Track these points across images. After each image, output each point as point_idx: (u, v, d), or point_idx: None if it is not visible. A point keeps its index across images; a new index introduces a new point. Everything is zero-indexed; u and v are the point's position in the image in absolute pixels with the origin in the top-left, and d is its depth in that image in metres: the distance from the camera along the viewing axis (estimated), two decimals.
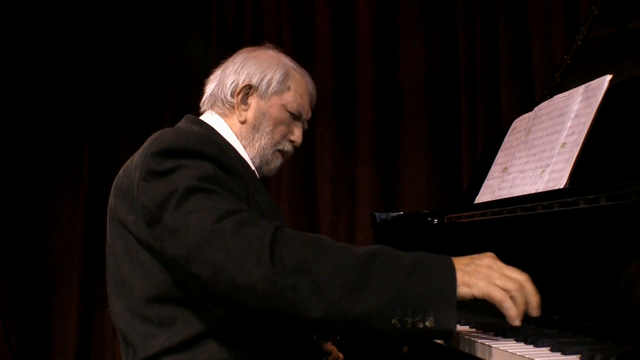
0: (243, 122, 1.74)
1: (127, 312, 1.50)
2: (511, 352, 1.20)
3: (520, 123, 1.97)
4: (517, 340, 1.30)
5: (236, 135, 1.73)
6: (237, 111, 1.74)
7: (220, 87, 1.75)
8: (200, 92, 1.82)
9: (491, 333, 1.40)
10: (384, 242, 2.35)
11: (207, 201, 1.35)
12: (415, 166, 3.52)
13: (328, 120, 3.66)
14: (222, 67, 1.79)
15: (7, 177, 4.18)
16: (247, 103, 1.74)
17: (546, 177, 1.63)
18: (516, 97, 3.17)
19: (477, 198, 1.97)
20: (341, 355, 1.90)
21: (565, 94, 1.74)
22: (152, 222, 1.41)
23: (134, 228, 1.47)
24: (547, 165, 1.66)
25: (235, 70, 1.75)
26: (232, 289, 1.28)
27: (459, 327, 1.52)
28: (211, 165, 1.43)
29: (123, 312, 1.51)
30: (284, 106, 1.75)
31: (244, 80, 1.73)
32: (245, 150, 1.73)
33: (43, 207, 4.24)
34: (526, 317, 1.28)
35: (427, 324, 1.22)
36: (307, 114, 1.82)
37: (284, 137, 1.77)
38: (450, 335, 1.25)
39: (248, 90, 1.73)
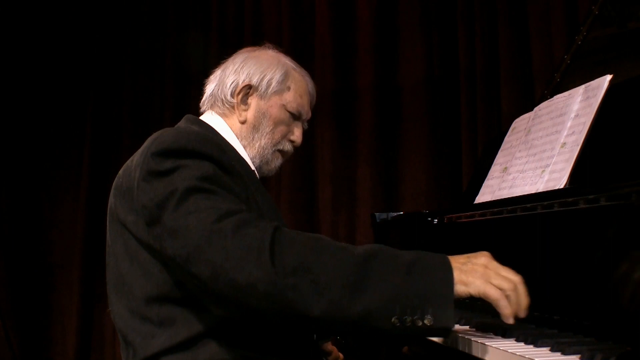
0: (243, 122, 1.74)
1: (127, 312, 1.50)
2: (511, 352, 1.21)
3: (520, 123, 1.97)
4: (517, 340, 1.30)
5: (236, 135, 1.73)
6: (237, 111, 1.74)
7: (220, 87, 1.75)
8: (200, 92, 1.82)
9: (491, 333, 1.40)
10: (384, 242, 2.35)
11: (206, 201, 1.35)
12: (415, 166, 3.52)
13: (328, 120, 3.66)
14: (222, 67, 1.79)
15: (7, 177, 4.19)
16: (247, 103, 1.74)
17: (546, 177, 1.63)
18: (516, 97, 3.17)
19: (477, 198, 1.97)
20: (341, 355, 1.90)
21: (565, 94, 1.74)
22: (152, 222, 1.41)
23: (134, 228, 1.47)
24: (547, 165, 1.66)
25: (235, 70, 1.75)
26: (231, 289, 1.28)
27: (460, 327, 1.52)
28: (211, 165, 1.43)
29: (123, 312, 1.51)
30: (284, 106, 1.75)
31: (244, 80, 1.73)
32: (245, 150, 1.73)
33: (43, 207, 4.24)
34: (525, 317, 1.28)
35: (425, 322, 1.23)
36: (307, 113, 1.82)
37: (284, 137, 1.77)
38: (448, 332, 1.26)
39: (248, 90, 1.73)
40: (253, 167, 1.72)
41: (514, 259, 1.55)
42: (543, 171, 1.66)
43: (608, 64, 2.05)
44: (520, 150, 1.85)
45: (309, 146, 3.59)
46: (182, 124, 1.70)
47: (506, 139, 2.01)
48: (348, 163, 3.64)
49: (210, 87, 1.79)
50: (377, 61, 3.61)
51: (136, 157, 1.51)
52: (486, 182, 1.98)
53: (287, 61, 1.79)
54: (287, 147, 1.79)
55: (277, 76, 1.74)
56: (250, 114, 1.74)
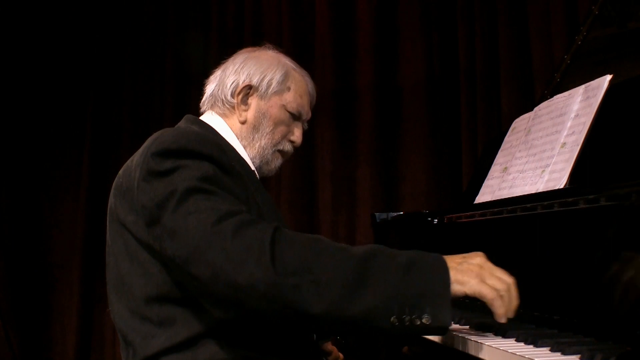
0: (243, 123, 1.74)
1: (127, 312, 1.50)
2: (511, 352, 1.21)
3: (520, 123, 1.97)
4: (517, 340, 1.30)
5: (236, 136, 1.73)
6: (237, 111, 1.74)
7: (221, 88, 1.75)
8: (200, 92, 1.82)
9: (491, 333, 1.40)
10: (384, 242, 2.35)
11: (206, 202, 1.35)
12: (415, 166, 3.52)
13: (328, 120, 3.66)
14: (222, 67, 1.79)
15: (7, 177, 4.19)
16: (247, 103, 1.74)
17: (546, 177, 1.63)
18: (516, 97, 3.16)
19: (477, 198, 1.97)
20: (341, 355, 1.90)
21: (565, 94, 1.74)
22: (152, 223, 1.41)
23: (134, 228, 1.47)
24: (547, 165, 1.66)
25: (236, 71, 1.75)
26: (232, 290, 1.28)
27: (460, 327, 1.52)
28: (211, 165, 1.43)
29: (123, 312, 1.51)
30: (284, 106, 1.75)
31: (244, 81, 1.73)
32: (246, 150, 1.73)
33: (43, 207, 4.24)
34: (525, 317, 1.28)
35: (423, 321, 1.24)
36: (307, 114, 1.82)
37: (284, 137, 1.77)
38: (445, 331, 1.28)
39: (248, 90, 1.73)
40: (253, 168, 1.73)
41: (514, 259, 1.55)
42: (543, 171, 1.66)
43: (608, 64, 2.05)
44: (520, 150, 1.85)
45: (309, 146, 3.59)
46: (182, 124, 1.70)
47: (506, 139, 2.01)
48: (348, 163, 3.64)
49: (210, 88, 1.79)
50: (377, 61, 3.61)
51: (136, 157, 1.51)
52: (486, 182, 1.98)
53: (287, 61, 1.79)
54: (287, 147, 1.79)
55: (277, 76, 1.74)
56: (250, 114, 1.74)
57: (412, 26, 3.56)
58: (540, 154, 1.73)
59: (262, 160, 1.75)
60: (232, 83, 1.74)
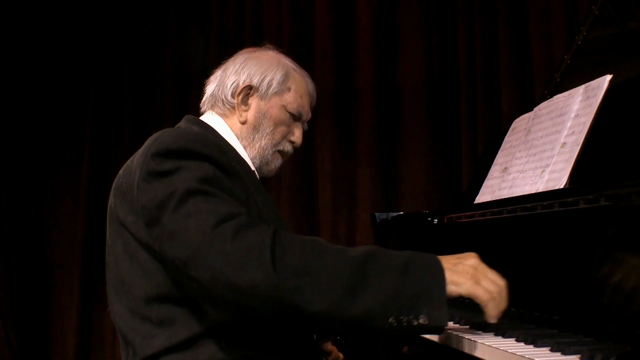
0: (243, 123, 1.74)
1: (127, 312, 1.50)
2: (511, 352, 1.21)
3: (520, 123, 1.97)
4: (517, 340, 1.30)
5: (236, 136, 1.73)
6: (237, 112, 1.74)
7: (221, 88, 1.75)
8: (201, 92, 1.82)
9: (491, 333, 1.40)
10: (384, 242, 2.35)
11: (206, 204, 1.35)
12: (415, 166, 3.52)
13: (328, 120, 3.66)
14: (223, 67, 1.79)
15: (7, 177, 4.18)
16: (247, 104, 1.74)
17: (546, 177, 1.63)
18: (516, 97, 3.16)
19: (477, 198, 1.97)
20: (341, 355, 1.91)
21: (565, 94, 1.74)
22: (151, 223, 1.41)
23: (134, 228, 1.47)
24: (547, 165, 1.66)
25: (236, 71, 1.75)
26: (232, 293, 1.29)
27: (460, 327, 1.52)
28: (211, 166, 1.43)
29: (123, 312, 1.51)
30: (284, 107, 1.75)
31: (244, 81, 1.73)
32: (246, 150, 1.73)
33: (43, 207, 4.24)
34: (525, 317, 1.29)
35: (420, 321, 1.27)
36: (307, 114, 1.82)
37: (284, 137, 1.77)
38: (441, 330, 1.30)
39: (248, 90, 1.73)
40: (253, 168, 1.73)
41: (514, 259, 1.55)
42: (543, 171, 1.66)
43: (608, 64, 2.06)
44: (520, 150, 1.85)
45: (309, 146, 3.59)
46: (182, 124, 1.70)
47: (506, 139, 2.01)
48: (348, 163, 3.64)
49: (210, 88, 1.79)
50: (377, 61, 3.61)
51: (136, 157, 1.51)
52: (486, 182, 1.98)
53: (287, 62, 1.79)
54: (287, 147, 1.79)
55: (278, 77, 1.74)
56: (250, 115, 1.74)
57: (412, 26, 3.56)
58: (540, 154, 1.73)
59: (262, 161, 1.75)
60: (233, 83, 1.74)
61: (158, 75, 4.13)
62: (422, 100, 3.53)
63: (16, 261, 4.15)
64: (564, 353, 1.16)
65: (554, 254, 1.41)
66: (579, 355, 1.14)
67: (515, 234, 1.58)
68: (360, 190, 3.59)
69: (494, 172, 1.97)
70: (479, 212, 1.75)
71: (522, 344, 1.27)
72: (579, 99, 1.66)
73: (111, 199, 1.56)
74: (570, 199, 1.36)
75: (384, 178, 3.57)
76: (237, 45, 3.35)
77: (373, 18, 3.62)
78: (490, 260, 1.61)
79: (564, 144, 1.63)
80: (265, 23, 3.88)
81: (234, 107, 1.74)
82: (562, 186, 1.55)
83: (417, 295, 1.27)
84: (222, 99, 1.74)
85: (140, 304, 1.47)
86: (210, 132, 1.67)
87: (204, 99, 1.80)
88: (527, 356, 1.16)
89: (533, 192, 1.64)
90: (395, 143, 3.58)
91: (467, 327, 1.51)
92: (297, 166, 3.64)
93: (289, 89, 1.76)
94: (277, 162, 1.79)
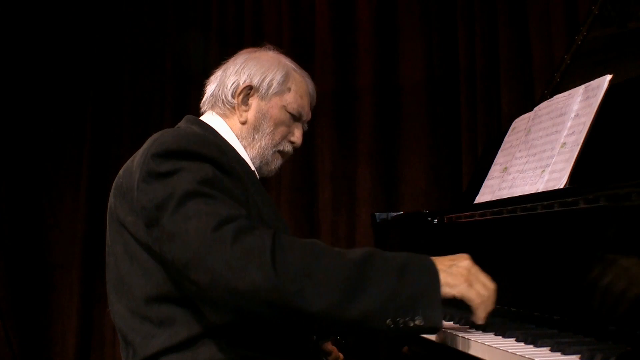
0: (244, 123, 1.74)
1: (127, 311, 1.50)
2: (511, 352, 1.21)
3: (520, 123, 1.97)
4: (517, 340, 1.30)
5: (236, 136, 1.73)
6: (237, 112, 1.74)
7: (221, 88, 1.75)
8: (201, 92, 1.82)
9: (491, 333, 1.40)
10: (384, 242, 2.35)
11: (206, 206, 1.36)
12: (415, 166, 3.52)
13: (328, 120, 3.66)
14: (223, 67, 1.79)
15: (7, 177, 4.19)
16: (247, 104, 1.74)
17: (546, 177, 1.63)
18: (516, 97, 3.16)
19: (477, 198, 1.97)
20: (341, 355, 1.91)
21: (565, 94, 1.74)
22: (151, 224, 1.41)
23: (133, 229, 1.47)
24: (547, 165, 1.66)
25: (236, 71, 1.75)
26: (232, 296, 1.29)
27: (460, 327, 1.52)
28: (211, 167, 1.43)
29: (123, 312, 1.51)
30: (284, 107, 1.75)
31: (244, 81, 1.73)
32: (246, 150, 1.73)
33: (43, 207, 4.24)
34: (525, 317, 1.29)
35: (416, 322, 1.30)
36: (307, 114, 1.82)
37: (284, 137, 1.77)
38: (436, 330, 1.33)
39: (249, 91, 1.73)
40: (253, 168, 1.73)
41: (514, 259, 1.55)
42: (543, 171, 1.66)
43: (608, 64, 2.06)
44: (520, 150, 1.85)
45: (309, 146, 3.59)
46: (182, 124, 1.70)
47: (506, 139, 2.01)
48: (348, 163, 3.64)
49: (210, 88, 1.79)
50: (377, 61, 3.61)
51: (137, 158, 1.51)
52: (486, 182, 1.98)
53: (287, 62, 1.79)
54: (287, 148, 1.80)
55: (278, 77, 1.74)
56: (250, 115, 1.74)
57: (412, 26, 3.56)
58: (540, 154, 1.73)
59: (262, 161, 1.75)
60: (233, 83, 1.74)
61: (158, 75, 4.13)
62: (422, 100, 3.53)
63: (16, 261, 4.15)
64: (564, 353, 1.16)
65: (554, 254, 1.41)
66: (579, 355, 1.14)
67: (515, 234, 1.58)
68: (360, 190, 3.59)
69: (494, 172, 1.97)
70: (479, 212, 1.75)
71: (522, 344, 1.27)
72: (579, 99, 1.66)
73: (111, 199, 1.56)
74: (570, 199, 1.36)
75: (384, 178, 3.57)
76: (237, 45, 3.36)
77: (373, 18, 3.62)
78: (490, 260, 1.62)
79: (564, 144, 1.63)
80: (265, 23, 3.88)
81: (234, 107, 1.74)
82: (562, 186, 1.55)
83: (413, 297, 1.30)
84: (223, 99, 1.74)
85: (140, 304, 1.47)
86: (210, 132, 1.67)
87: (204, 99, 1.80)
88: (527, 356, 1.16)
89: (533, 192, 1.64)
90: (395, 143, 3.58)
91: (467, 327, 1.51)
92: (297, 166, 3.64)
93: (289, 89, 1.76)
94: (277, 162, 1.79)
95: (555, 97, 1.80)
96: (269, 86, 1.73)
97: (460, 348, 1.39)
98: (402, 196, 3.53)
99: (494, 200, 1.79)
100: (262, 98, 1.74)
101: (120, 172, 1.57)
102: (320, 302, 1.28)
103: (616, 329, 1.19)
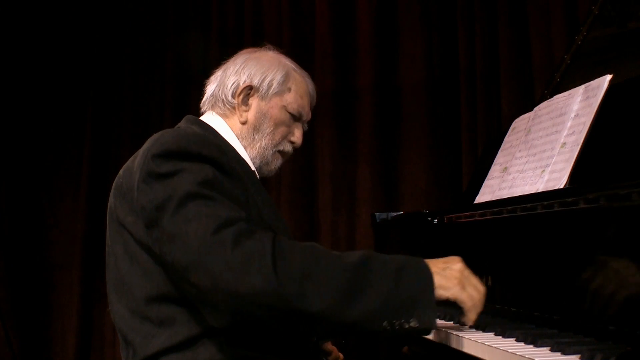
0: (244, 123, 1.74)
1: (127, 311, 1.50)
2: (511, 352, 1.21)
3: (520, 123, 1.97)
4: (517, 340, 1.31)
5: (237, 136, 1.73)
6: (237, 112, 1.74)
7: (221, 88, 1.75)
8: (201, 92, 1.82)
9: (491, 333, 1.40)
10: (384, 242, 2.35)
11: (206, 208, 1.36)
12: (415, 166, 3.51)
13: (328, 120, 3.66)
14: (223, 67, 1.79)
15: (7, 177, 4.18)
16: (247, 104, 1.74)
17: (546, 177, 1.63)
18: (516, 97, 3.16)
19: (477, 198, 1.97)
20: (341, 355, 1.91)
21: (565, 94, 1.74)
22: (151, 225, 1.41)
23: (133, 229, 1.47)
24: (547, 165, 1.66)
25: (236, 71, 1.75)
26: (232, 300, 1.30)
27: (460, 327, 1.52)
28: (211, 168, 1.43)
29: (123, 312, 1.51)
30: (284, 107, 1.75)
31: (244, 81, 1.73)
32: (246, 150, 1.73)
33: (43, 207, 4.24)
34: (525, 317, 1.29)
35: (411, 324, 1.32)
36: (307, 115, 1.82)
37: (284, 137, 1.78)
38: (429, 331, 1.37)
39: (249, 91, 1.73)
40: (253, 168, 1.73)
41: (514, 259, 1.55)
42: (543, 171, 1.66)
43: (608, 64, 2.06)
44: (520, 150, 1.85)
45: (309, 146, 3.59)
46: (182, 124, 1.70)
47: (506, 139, 2.01)
48: (348, 163, 3.64)
49: (210, 88, 1.79)
50: (377, 61, 3.61)
51: (137, 158, 1.51)
52: (486, 182, 1.98)
53: (287, 62, 1.79)
54: (288, 148, 1.80)
55: (278, 77, 1.74)
56: (251, 115, 1.74)
57: (412, 26, 3.56)
58: (540, 154, 1.73)
59: (262, 161, 1.75)
60: (233, 84, 1.74)
61: (158, 75, 4.13)
62: (422, 100, 3.53)
63: (16, 261, 4.14)
64: (564, 353, 1.16)
65: (553, 254, 1.41)
66: (579, 355, 1.14)
67: (515, 234, 1.58)
68: (360, 190, 3.59)
69: (494, 172, 1.97)
70: (479, 212, 1.75)
71: (522, 344, 1.27)
72: (579, 99, 1.66)
73: (111, 199, 1.56)
74: (570, 199, 1.36)
75: (384, 178, 3.57)
76: (237, 45, 3.35)
77: (373, 18, 3.62)
78: (490, 260, 1.62)
79: (564, 144, 1.63)
80: (265, 23, 3.88)
81: (234, 108, 1.74)
82: (562, 186, 1.55)
83: (409, 300, 1.32)
84: (223, 99, 1.74)
85: (140, 304, 1.47)
86: (210, 133, 1.67)
87: (204, 99, 1.80)
88: (527, 356, 1.16)
89: (533, 192, 1.64)
90: (395, 143, 3.58)
91: (467, 327, 1.51)
92: (297, 166, 3.64)
93: (289, 90, 1.76)
94: (277, 162, 1.79)
95: (555, 97, 1.80)
96: (269, 86, 1.73)
97: (460, 348, 1.39)
98: (402, 196, 3.53)
99: (494, 200, 1.79)
100: (262, 98, 1.74)
101: (121, 172, 1.57)
102: (320, 305, 1.29)
103: (616, 329, 1.19)
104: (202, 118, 1.76)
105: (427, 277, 1.35)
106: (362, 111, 3.63)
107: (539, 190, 1.62)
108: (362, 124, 3.62)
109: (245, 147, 1.73)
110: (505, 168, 1.89)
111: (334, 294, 1.30)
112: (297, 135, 1.80)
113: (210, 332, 1.43)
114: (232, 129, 1.73)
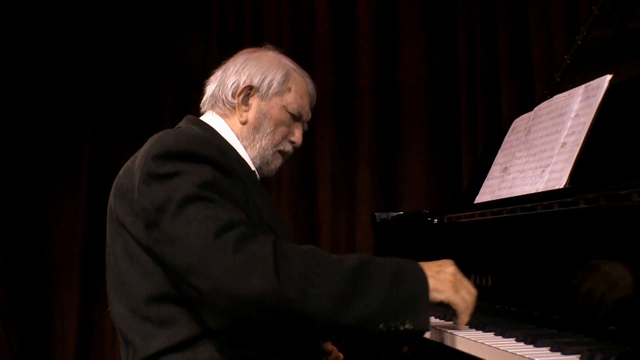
0: (244, 123, 1.74)
1: (127, 311, 1.50)
2: (511, 352, 1.21)
3: (520, 123, 1.97)
4: (517, 340, 1.30)
5: (237, 136, 1.73)
6: (237, 112, 1.74)
7: (221, 88, 1.75)
8: (201, 93, 1.82)
9: (491, 333, 1.40)
10: (384, 242, 2.35)
11: (206, 210, 1.36)
12: (415, 166, 3.51)
13: (328, 120, 3.66)
14: (223, 67, 1.79)
15: (7, 177, 4.19)
16: (247, 104, 1.74)
17: (546, 177, 1.63)
18: (516, 97, 3.16)
19: (477, 198, 1.97)
20: (341, 355, 1.91)
21: (565, 94, 1.74)
22: (150, 226, 1.41)
23: (133, 229, 1.47)
24: (547, 165, 1.66)
25: (236, 71, 1.75)
26: (233, 303, 1.30)
27: (460, 327, 1.52)
28: (211, 169, 1.43)
29: (123, 312, 1.51)
30: (284, 107, 1.75)
31: (244, 81, 1.73)
32: (246, 150, 1.73)
33: (43, 207, 4.24)
34: (525, 317, 1.29)
35: (407, 326, 1.34)
36: (307, 114, 1.82)
37: (285, 137, 1.78)
38: (423, 333, 1.39)
39: (249, 91, 1.73)
40: (253, 168, 1.73)
41: (514, 259, 1.55)
42: (543, 171, 1.66)
43: (608, 64, 2.06)
44: (520, 150, 1.85)
45: (309, 146, 3.59)
46: (182, 124, 1.70)
47: (506, 139, 2.01)
48: (348, 163, 3.64)
49: (210, 88, 1.79)
50: (377, 61, 3.61)
51: (138, 158, 1.51)
52: (486, 182, 1.98)
53: (287, 62, 1.79)
54: (288, 147, 1.80)
55: (278, 77, 1.74)
56: (251, 115, 1.74)
57: (412, 26, 3.56)
58: (540, 154, 1.73)
59: (262, 161, 1.75)
60: (233, 84, 1.74)
61: (158, 76, 4.13)
62: (422, 100, 3.53)
63: (16, 261, 4.15)
64: (564, 353, 1.16)
65: (553, 254, 1.41)
66: (579, 355, 1.14)
67: (515, 234, 1.58)
68: (360, 190, 3.59)
69: (494, 172, 1.97)
70: (479, 212, 1.75)
71: (522, 344, 1.27)
72: (579, 99, 1.66)
73: (111, 199, 1.56)
74: (570, 199, 1.36)
75: (384, 178, 3.57)
76: (237, 45, 3.35)
77: (373, 18, 3.62)
78: (490, 260, 1.62)
79: (564, 143, 1.63)
80: (265, 23, 3.88)
81: (234, 108, 1.74)
82: (562, 186, 1.55)
83: (404, 303, 1.34)
84: (223, 99, 1.74)
85: (140, 304, 1.47)
86: (210, 133, 1.67)
87: (204, 99, 1.80)
88: (527, 356, 1.16)
89: (533, 192, 1.64)
90: (395, 143, 3.58)
91: (467, 327, 1.51)
92: (297, 166, 3.64)
93: (289, 90, 1.76)
94: (278, 162, 1.79)
95: (555, 97, 1.80)
96: (269, 86, 1.73)
97: (461, 348, 1.39)
98: (402, 196, 3.53)
99: (494, 200, 1.79)
100: (262, 98, 1.74)
101: (121, 172, 1.57)
102: (320, 307, 1.30)
103: (616, 329, 1.19)
104: (202, 118, 1.76)
105: (422, 281, 1.37)
106: (362, 111, 3.63)
107: (539, 190, 1.62)
108: (362, 124, 3.62)
109: (245, 147, 1.73)
110: (505, 168, 1.89)
111: (334, 297, 1.31)
112: (297, 135, 1.80)
113: (210, 332, 1.43)
114: (232, 129, 1.73)
